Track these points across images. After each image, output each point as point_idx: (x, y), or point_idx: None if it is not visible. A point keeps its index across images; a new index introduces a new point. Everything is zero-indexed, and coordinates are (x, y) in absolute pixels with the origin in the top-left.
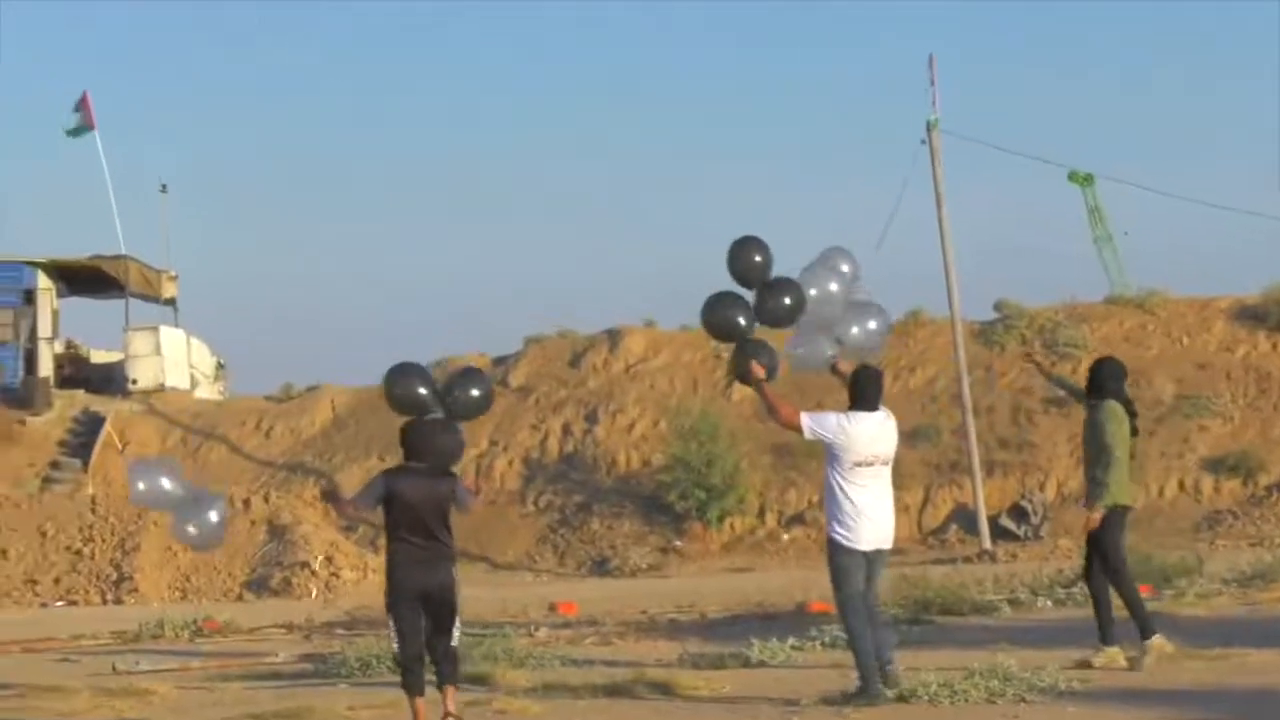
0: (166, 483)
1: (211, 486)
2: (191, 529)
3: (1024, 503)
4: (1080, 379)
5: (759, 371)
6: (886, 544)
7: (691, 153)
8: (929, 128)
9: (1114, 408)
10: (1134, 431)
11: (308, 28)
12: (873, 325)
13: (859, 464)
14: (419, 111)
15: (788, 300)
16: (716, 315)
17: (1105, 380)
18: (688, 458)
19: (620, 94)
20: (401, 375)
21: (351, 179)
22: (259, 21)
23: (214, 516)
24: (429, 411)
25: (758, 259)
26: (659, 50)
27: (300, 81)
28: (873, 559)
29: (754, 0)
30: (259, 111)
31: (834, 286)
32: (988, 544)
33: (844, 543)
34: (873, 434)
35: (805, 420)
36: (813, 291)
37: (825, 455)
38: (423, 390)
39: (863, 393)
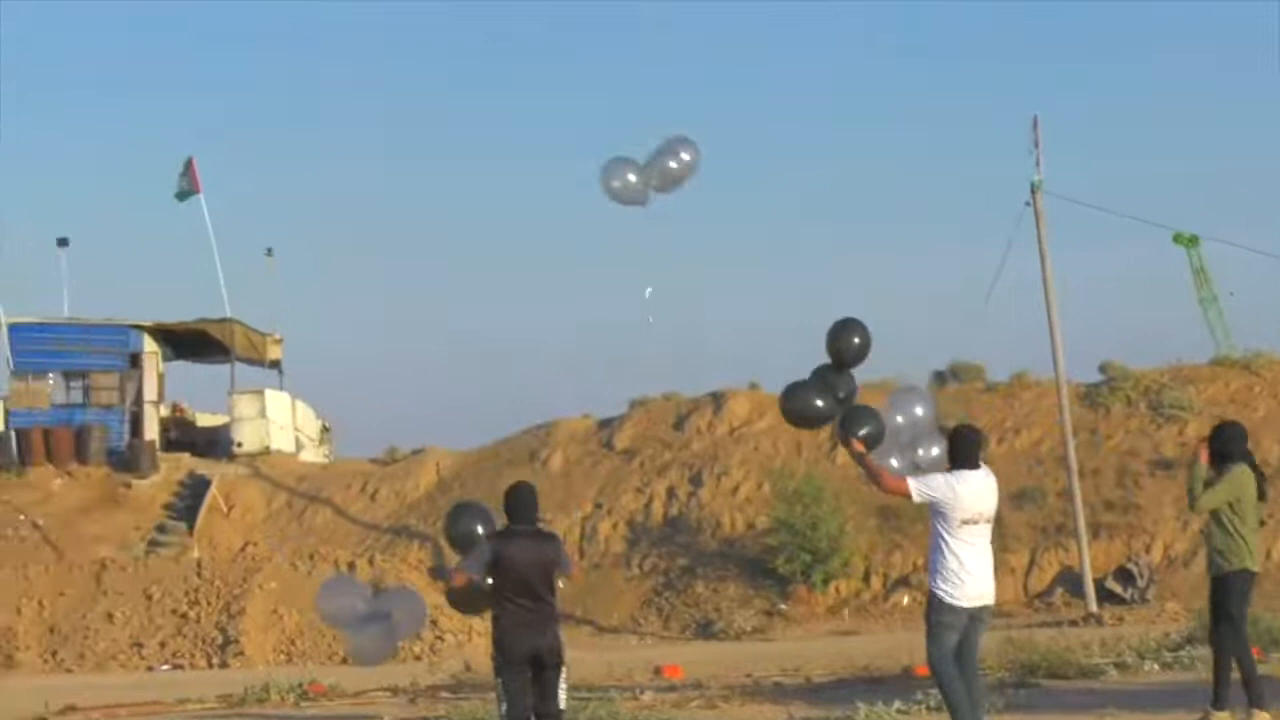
0: (356, 603)
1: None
2: (369, 643)
3: (1130, 565)
4: (1187, 441)
5: (858, 446)
6: (988, 601)
7: (794, 214)
8: (1033, 189)
9: (1243, 471)
10: (1261, 495)
11: (412, 92)
12: (919, 411)
13: (966, 521)
14: (521, 172)
15: (869, 429)
16: (797, 405)
17: (1230, 444)
18: (792, 520)
19: (722, 154)
20: (462, 515)
21: (457, 241)
22: (363, 86)
23: (395, 627)
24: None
25: (856, 341)
26: (758, 110)
27: (406, 145)
28: (974, 616)
29: (855, 60)
30: (364, 174)
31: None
32: (1093, 607)
33: (946, 599)
34: (977, 491)
35: (913, 484)
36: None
37: (931, 514)
38: (480, 529)
39: (964, 451)
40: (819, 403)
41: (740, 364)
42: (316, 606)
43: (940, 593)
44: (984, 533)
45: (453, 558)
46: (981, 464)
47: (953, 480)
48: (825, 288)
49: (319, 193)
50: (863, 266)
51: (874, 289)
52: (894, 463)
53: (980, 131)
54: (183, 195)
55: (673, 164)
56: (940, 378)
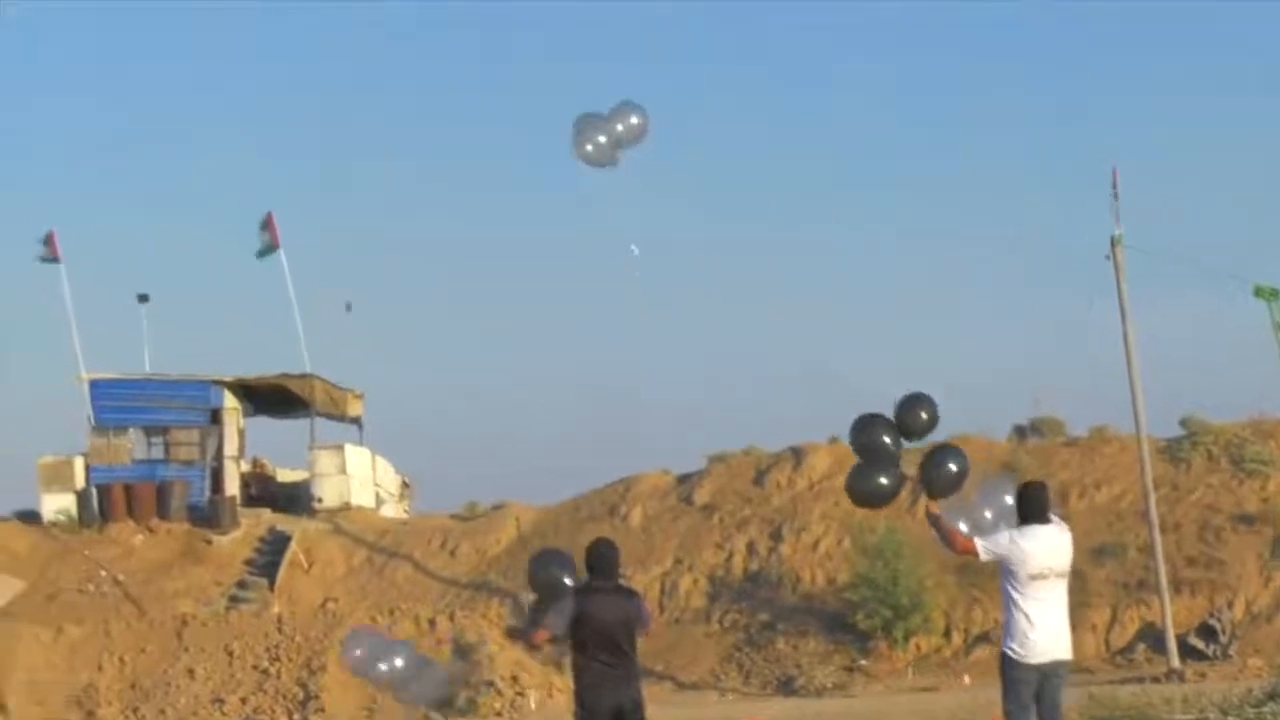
0: (383, 665)
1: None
2: (412, 689)
3: (1212, 621)
4: (1270, 496)
5: (933, 508)
6: (1063, 655)
7: (870, 269)
8: (1113, 243)
9: None
10: None
11: (486, 150)
12: (1009, 500)
13: (1034, 577)
14: (596, 227)
15: (952, 467)
16: (862, 483)
17: None
18: (873, 576)
19: (793, 213)
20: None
21: (533, 294)
22: (441, 144)
23: (433, 678)
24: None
25: (924, 416)
26: (837, 162)
27: (485, 200)
28: (1048, 673)
29: (937, 111)
30: (442, 230)
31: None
32: (1176, 663)
33: (1014, 657)
34: (1046, 547)
35: (979, 544)
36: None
37: (1001, 571)
38: (564, 577)
39: (1031, 506)
40: (883, 480)
41: (820, 417)
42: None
43: (1009, 650)
44: (1055, 588)
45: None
46: (1053, 519)
47: (1019, 536)
48: (903, 340)
49: (400, 246)
50: (940, 319)
51: (952, 342)
52: (963, 526)
53: (1058, 184)
54: (264, 252)
55: (633, 120)
56: (1020, 432)
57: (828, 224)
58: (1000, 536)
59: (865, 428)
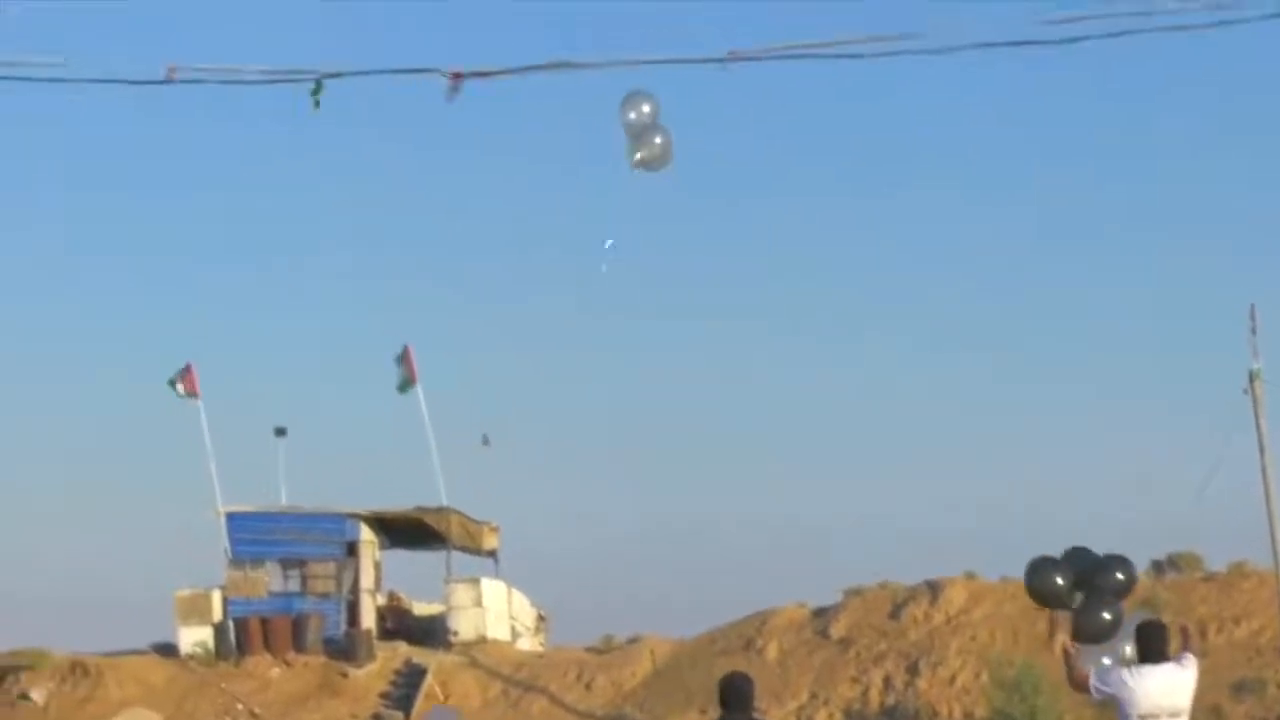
0: None
1: None
2: None
3: None
4: None
5: (1069, 645)
6: None
7: (1007, 402)
8: (1251, 378)
9: None
10: None
11: (615, 284)
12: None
13: (1144, 717)
14: (721, 358)
15: (1107, 616)
16: (1038, 582)
17: None
18: (1010, 711)
19: (929, 344)
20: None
21: (664, 428)
22: (570, 271)
23: None
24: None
25: (1059, 581)
26: (955, 287)
27: (625, 336)
28: None
29: (1067, 245)
30: (581, 362)
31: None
32: None
33: None
34: (1159, 686)
35: (1091, 679)
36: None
37: (1116, 709)
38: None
39: (1147, 646)
40: (1059, 580)
41: (955, 551)
42: None
43: None
44: None
45: None
46: (1177, 658)
47: (1131, 675)
48: (1037, 472)
49: (536, 380)
50: (1075, 453)
51: (1086, 475)
52: (1106, 660)
53: (1193, 319)
54: (403, 386)
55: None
56: (1158, 568)
57: (948, 355)
58: (1111, 674)
59: (1060, 571)
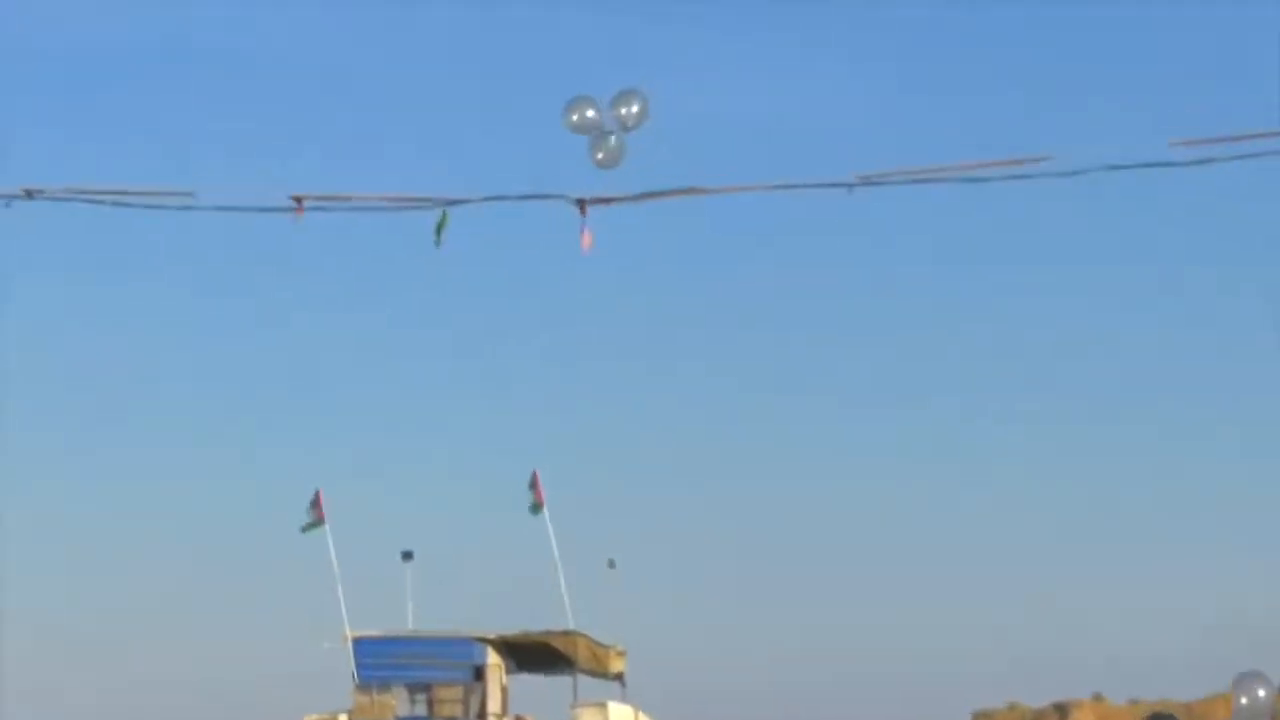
0: None
1: None
2: None
3: None
4: None
5: None
6: None
7: (1128, 529)
8: None
9: None
10: None
11: (750, 403)
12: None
13: None
14: (858, 479)
15: None
16: None
17: None
18: None
19: (1051, 471)
20: None
21: (793, 545)
22: (696, 396)
23: None
24: None
25: None
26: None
27: (743, 457)
28: None
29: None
30: (706, 485)
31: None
32: None
33: None
34: None
35: None
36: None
37: None
38: None
39: None
40: None
41: (1083, 671)
42: None
43: None
44: None
45: None
46: None
47: None
48: (1169, 601)
49: (664, 501)
50: (1197, 576)
51: (1209, 605)
52: None
53: None
54: (533, 510)
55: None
56: None
57: (1074, 483)
58: None
59: None
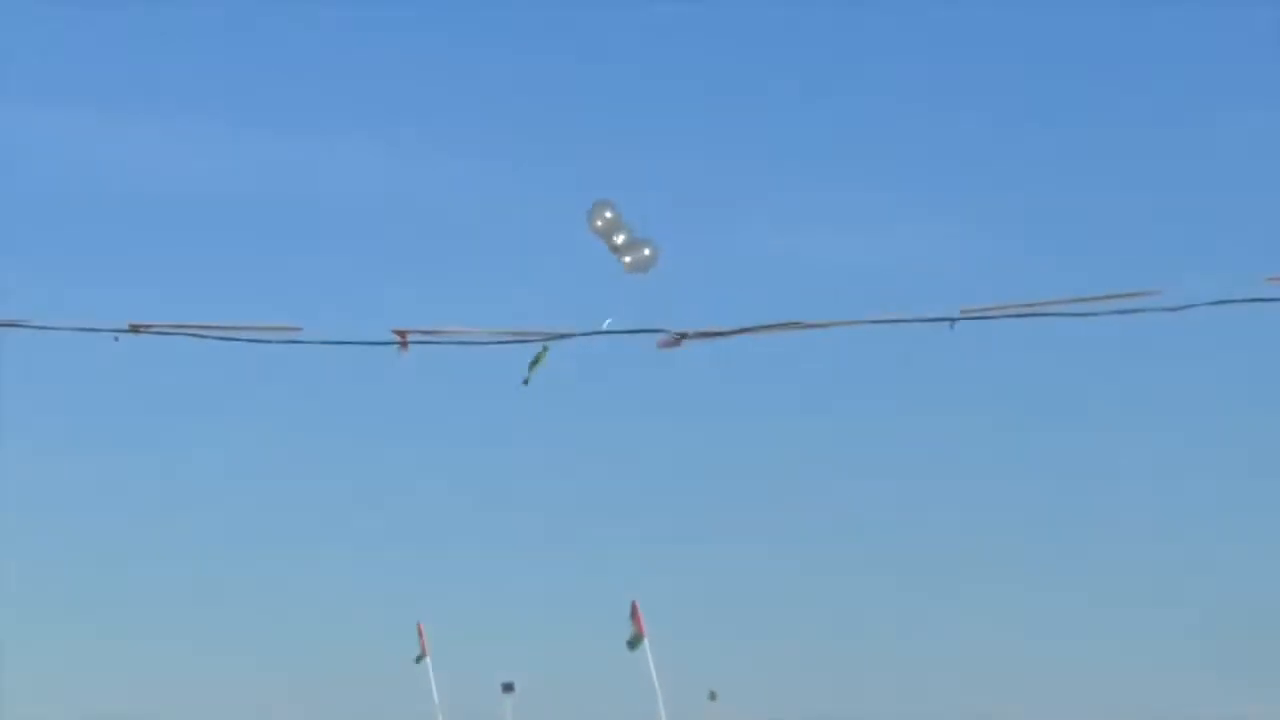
0: None
1: None
2: None
3: None
4: None
5: None
6: None
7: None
8: None
9: None
10: None
11: (852, 537)
12: None
13: None
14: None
15: None
16: None
17: None
18: None
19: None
20: None
21: (893, 680)
22: (797, 528)
23: None
24: None
25: None
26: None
27: (844, 593)
28: None
29: None
30: (807, 617)
31: None
32: None
33: None
34: None
35: None
36: None
37: None
38: None
39: None
40: None
41: None
42: None
43: None
44: None
45: None
46: None
47: None
48: None
49: (765, 632)
50: None
51: None
52: None
53: None
54: (633, 643)
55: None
56: None
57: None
58: None
59: None
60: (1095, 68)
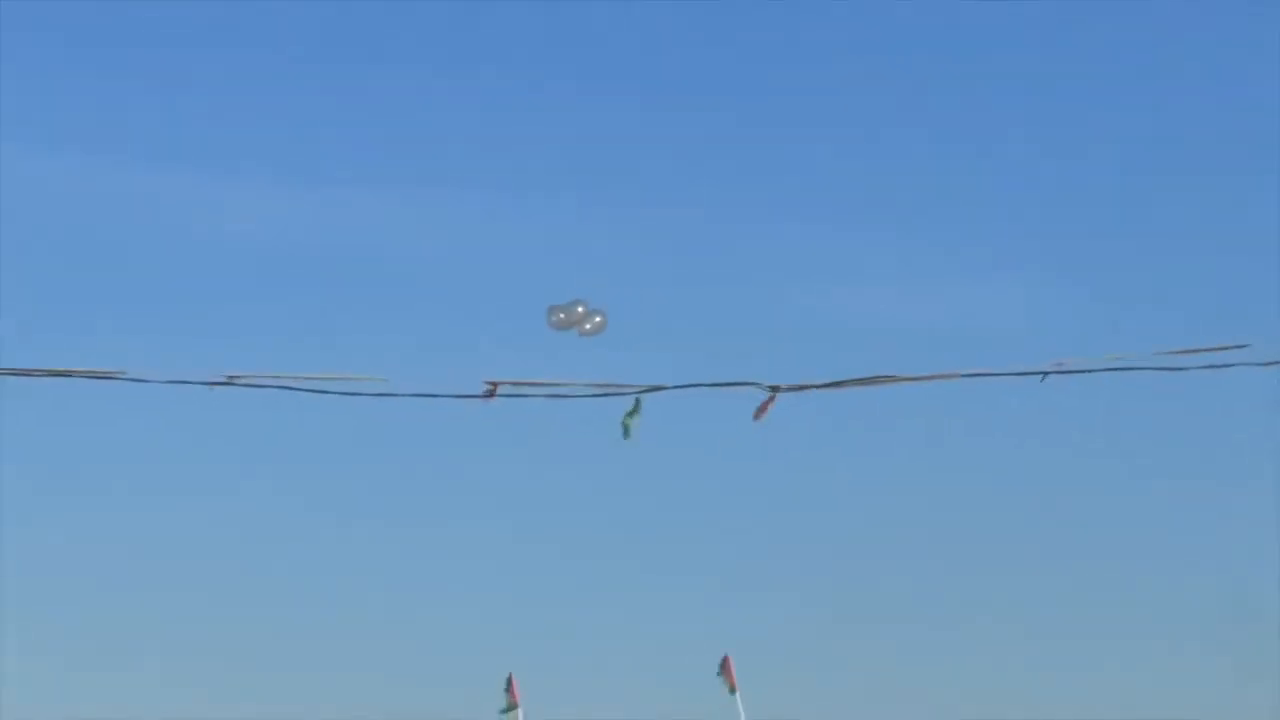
0: None
1: None
2: None
3: None
4: None
5: None
6: None
7: None
8: None
9: None
10: None
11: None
12: None
13: None
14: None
15: None
16: None
17: None
18: None
19: None
20: None
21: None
22: (889, 583)
23: None
24: None
25: None
26: None
27: (950, 644)
28: None
29: None
30: (903, 669)
31: None
32: None
33: None
34: None
35: None
36: None
37: None
38: None
39: None
40: None
41: None
42: None
43: None
44: None
45: None
46: None
47: None
48: None
49: (856, 681)
50: None
51: None
52: None
53: None
54: (729, 690)
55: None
56: None
57: None
58: None
59: None
60: (1179, 118)
